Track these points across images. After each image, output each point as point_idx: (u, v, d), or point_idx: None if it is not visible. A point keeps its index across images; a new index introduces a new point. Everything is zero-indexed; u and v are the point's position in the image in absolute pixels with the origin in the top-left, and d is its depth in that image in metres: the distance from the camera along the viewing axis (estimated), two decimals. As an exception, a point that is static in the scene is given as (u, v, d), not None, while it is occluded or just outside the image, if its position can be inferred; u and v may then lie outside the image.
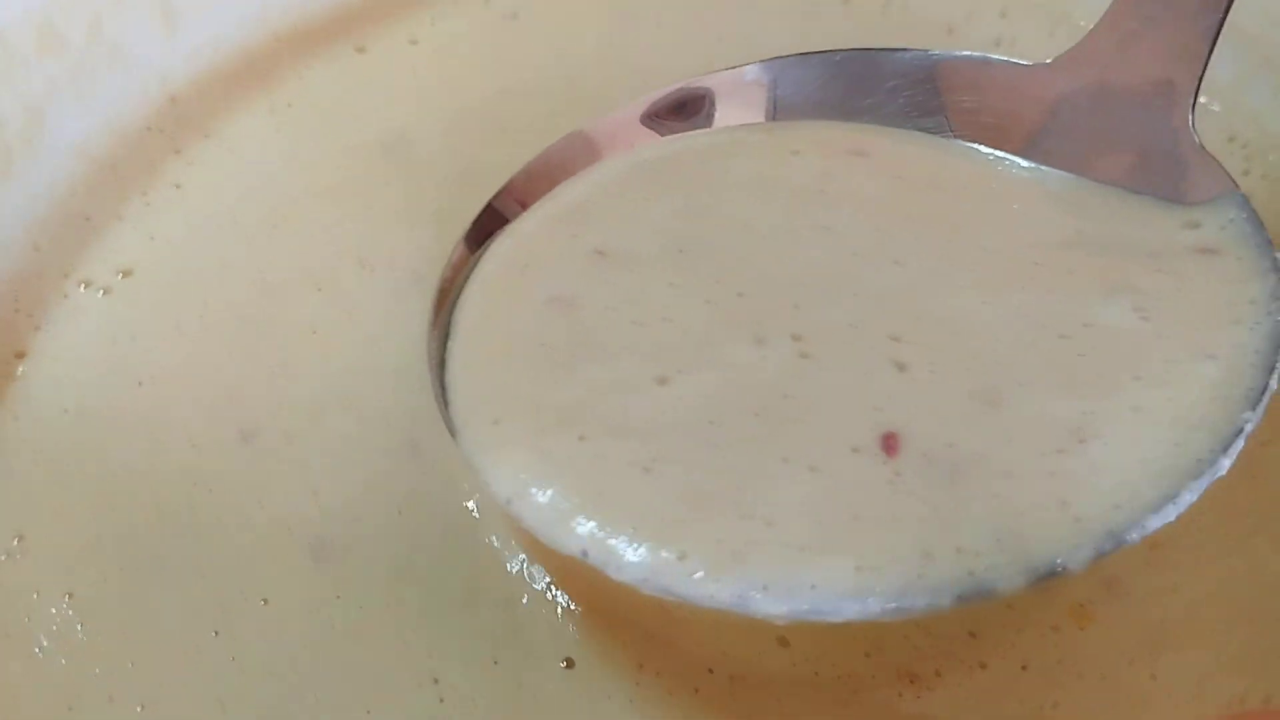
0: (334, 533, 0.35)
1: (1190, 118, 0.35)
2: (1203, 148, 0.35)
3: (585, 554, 0.29)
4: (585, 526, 0.29)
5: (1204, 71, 0.35)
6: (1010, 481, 0.29)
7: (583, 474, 0.30)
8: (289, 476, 0.36)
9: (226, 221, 0.42)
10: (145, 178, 0.43)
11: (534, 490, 0.30)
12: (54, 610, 0.34)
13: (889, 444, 0.30)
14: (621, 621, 0.33)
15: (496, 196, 0.37)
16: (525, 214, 0.37)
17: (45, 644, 0.33)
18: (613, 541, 0.29)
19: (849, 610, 0.28)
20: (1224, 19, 0.34)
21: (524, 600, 0.34)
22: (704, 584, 0.28)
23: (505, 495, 0.30)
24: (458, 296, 0.35)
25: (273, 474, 0.36)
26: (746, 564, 0.28)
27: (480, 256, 0.36)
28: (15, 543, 0.35)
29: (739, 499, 0.29)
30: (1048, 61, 0.37)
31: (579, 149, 0.38)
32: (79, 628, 0.34)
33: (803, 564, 0.28)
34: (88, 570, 0.34)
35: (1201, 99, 0.43)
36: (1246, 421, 0.30)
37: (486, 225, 0.37)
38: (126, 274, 0.41)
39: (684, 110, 0.39)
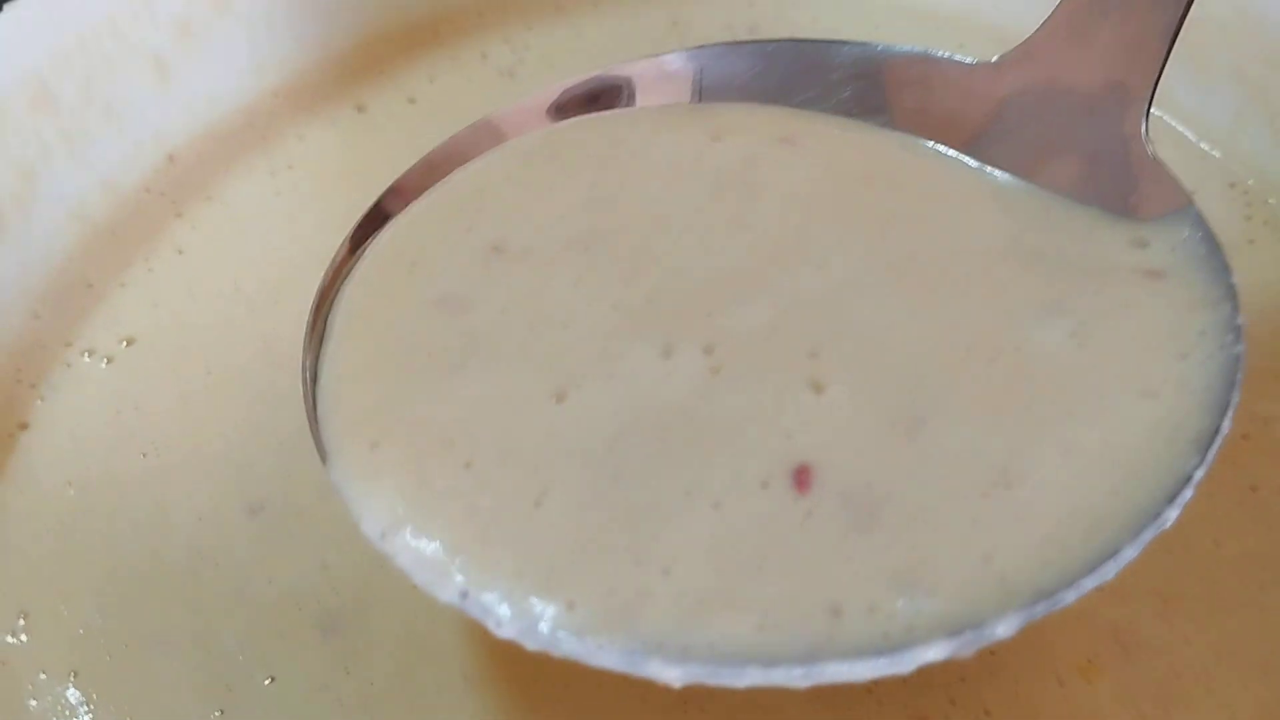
0: (344, 607, 0.34)
1: (1144, 125, 0.32)
2: (1156, 158, 0.32)
3: (464, 600, 0.27)
4: (464, 571, 0.27)
5: (1160, 74, 0.32)
6: (930, 530, 0.27)
7: (466, 509, 0.27)
8: (297, 550, 0.35)
9: (229, 288, 0.42)
10: (147, 243, 0.43)
11: (409, 527, 0.27)
12: (59, 689, 0.34)
13: (801, 479, 0.28)
14: (648, 688, 0.32)
15: (390, 192, 0.34)
16: (415, 202, 0.34)
17: (52, 726, 0.33)
18: (494, 591, 0.26)
19: (751, 676, 0.25)
20: (1184, 15, 0.31)
21: (545, 670, 0.32)
22: (592, 642, 0.26)
23: (377, 531, 0.28)
24: (335, 298, 0.32)
25: (281, 547, 0.36)
26: (639, 619, 0.26)
27: (364, 252, 0.33)
28: (20, 621, 0.35)
29: (635, 540, 0.27)
30: (994, 60, 0.34)
31: (484, 139, 0.35)
32: (85, 708, 0.33)
33: (700, 620, 0.26)
34: (92, 648, 0.34)
35: (1202, 145, 0.44)
36: (1195, 469, 0.27)
37: (377, 221, 0.34)
38: (130, 342, 0.41)
39: (601, 100, 0.36)
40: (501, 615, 0.26)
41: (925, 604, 0.26)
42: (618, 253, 0.32)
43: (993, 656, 0.33)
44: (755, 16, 0.50)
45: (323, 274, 0.33)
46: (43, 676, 0.34)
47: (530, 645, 0.26)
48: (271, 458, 0.38)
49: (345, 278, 0.33)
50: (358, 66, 0.48)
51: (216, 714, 0.33)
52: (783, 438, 0.28)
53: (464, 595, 0.27)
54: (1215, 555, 0.35)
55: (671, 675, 0.26)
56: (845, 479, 0.28)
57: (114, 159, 0.43)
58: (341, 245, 0.33)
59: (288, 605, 0.35)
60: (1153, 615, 0.34)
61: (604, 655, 0.26)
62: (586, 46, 0.49)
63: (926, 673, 0.32)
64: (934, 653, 0.25)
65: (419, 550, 0.27)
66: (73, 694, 0.33)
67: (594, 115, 0.36)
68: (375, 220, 0.34)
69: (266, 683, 0.33)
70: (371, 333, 0.31)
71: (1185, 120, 0.44)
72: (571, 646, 0.26)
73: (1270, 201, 0.42)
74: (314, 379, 0.31)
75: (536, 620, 0.26)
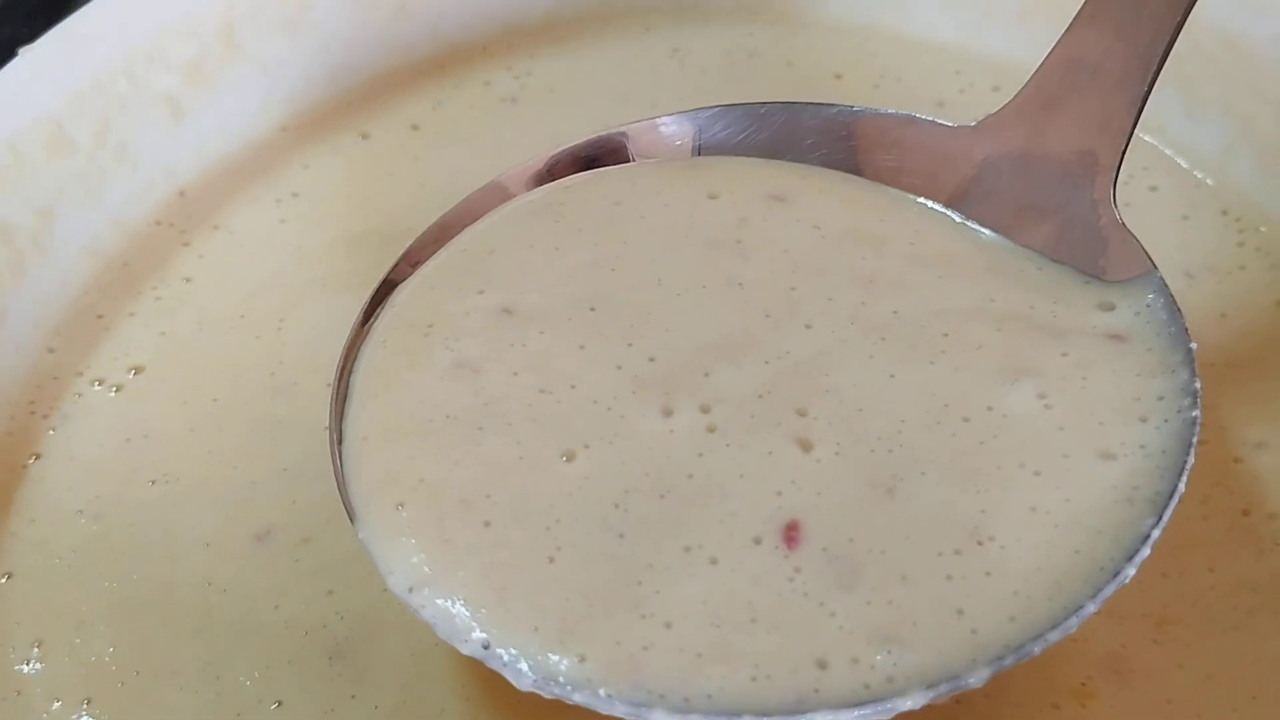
0: (350, 632, 0.35)
1: (1112, 192, 0.34)
2: (1123, 224, 0.34)
3: (486, 652, 0.29)
4: (486, 627, 0.29)
5: (1127, 145, 0.34)
6: (907, 585, 0.29)
7: (485, 566, 0.29)
8: (304, 577, 0.36)
9: (235, 316, 0.43)
10: (156, 273, 0.44)
11: (434, 584, 0.29)
12: (73, 717, 0.34)
13: (790, 536, 0.30)
14: None
15: (407, 253, 0.36)
16: (429, 261, 0.36)
17: (66, 753, 0.34)
18: (513, 646, 0.28)
19: None
20: (1149, 91, 0.33)
21: (547, 702, 0.33)
22: (602, 693, 0.28)
23: (404, 586, 0.29)
24: (357, 358, 0.34)
25: (287, 575, 0.36)
26: (644, 671, 0.28)
27: (382, 311, 0.35)
28: (35, 649, 0.35)
29: (639, 595, 0.29)
30: (973, 124, 0.36)
31: (494, 201, 0.37)
32: (98, 734, 0.34)
33: (699, 672, 0.28)
34: (105, 676, 0.35)
35: (1196, 173, 0.44)
36: (1152, 528, 0.29)
37: (394, 283, 0.35)
38: (138, 371, 0.42)
39: (601, 160, 0.38)
40: (521, 669, 0.28)
41: (903, 657, 0.28)
42: (620, 314, 0.34)
43: (990, 680, 0.33)
44: (754, 44, 0.50)
45: (345, 325, 0.34)
46: (57, 704, 0.34)
47: (546, 695, 0.28)
48: (277, 484, 0.38)
49: (366, 337, 0.34)
50: (363, 97, 0.49)
51: (226, 741, 0.33)
52: (773, 495, 0.30)
53: (486, 647, 0.29)
54: (1208, 580, 0.35)
55: None
56: (830, 536, 0.30)
57: (126, 196, 0.44)
58: (362, 306, 0.35)
59: (295, 631, 0.35)
60: (1146, 640, 0.34)
61: (613, 705, 0.28)
62: (588, 73, 0.50)
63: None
64: (911, 702, 0.27)
65: (443, 606, 0.29)
66: (86, 722, 0.34)
67: (596, 172, 0.38)
68: (393, 284, 0.35)
69: (274, 708, 0.34)
70: (392, 395, 0.33)
71: (1178, 149, 0.45)
72: (583, 697, 0.28)
73: (1261, 229, 0.43)
74: (339, 439, 0.32)
75: (553, 673, 0.28)
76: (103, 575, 0.37)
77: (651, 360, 0.33)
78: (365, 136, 0.48)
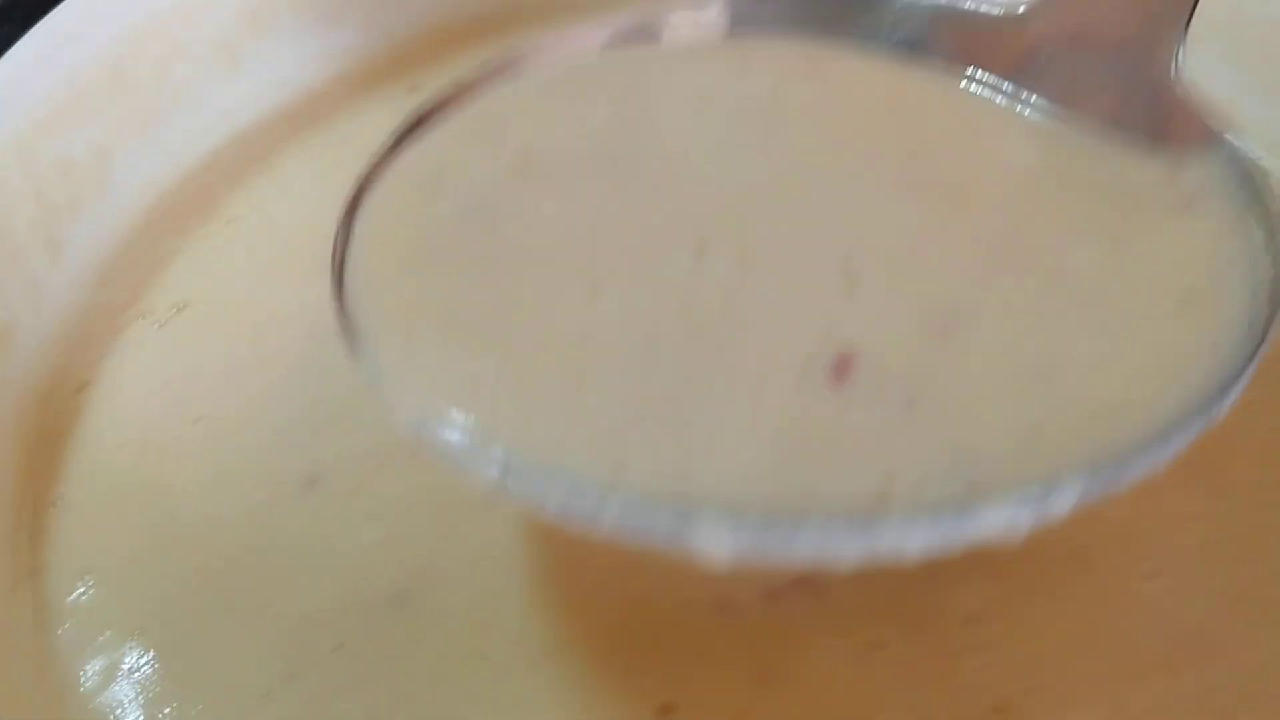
0: (410, 582, 0.34)
1: (1174, 63, 0.32)
2: (1188, 94, 0.32)
3: (506, 477, 0.26)
4: (506, 441, 0.26)
5: (1192, 11, 0.32)
6: (976, 408, 0.27)
7: (508, 388, 0.27)
8: (358, 524, 0.35)
9: (280, 257, 0.42)
10: (205, 212, 0.43)
11: (449, 410, 0.27)
12: (123, 648, 0.33)
13: (841, 368, 0.28)
14: (721, 662, 0.32)
15: (417, 110, 0.34)
16: (444, 114, 0.33)
17: (117, 684, 0.33)
18: (537, 464, 0.26)
19: (807, 539, 0.25)
20: None
21: (621, 646, 0.33)
22: (641, 504, 0.25)
23: (413, 417, 0.27)
24: (366, 198, 0.32)
25: (341, 521, 0.35)
26: (690, 482, 0.25)
27: (398, 153, 0.33)
28: (85, 578, 0.35)
29: (678, 424, 0.26)
30: (1020, 10, 0.34)
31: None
32: (149, 668, 0.33)
33: (752, 484, 0.25)
34: (156, 609, 0.34)
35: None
36: (1250, 360, 0.27)
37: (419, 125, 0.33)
38: (182, 308, 0.41)
39: (636, 36, 0.35)
40: (545, 489, 0.26)
41: (978, 469, 0.26)
42: (646, 168, 0.32)
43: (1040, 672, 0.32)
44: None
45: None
46: (108, 634, 0.34)
47: (577, 516, 0.25)
48: (326, 432, 0.37)
49: (377, 180, 0.32)
50: (416, 52, 0.49)
51: (288, 677, 0.33)
52: (819, 330, 0.28)
53: (506, 470, 0.26)
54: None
55: (723, 542, 0.25)
56: (884, 371, 0.27)
57: (181, 136, 0.44)
58: (387, 140, 0.33)
59: (351, 577, 0.34)
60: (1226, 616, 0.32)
61: (651, 525, 0.25)
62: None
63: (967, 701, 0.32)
64: (993, 518, 0.25)
65: (460, 427, 0.27)
66: (137, 653, 0.33)
67: (620, 50, 0.35)
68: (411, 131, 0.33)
69: (332, 650, 0.33)
70: (403, 233, 0.31)
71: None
72: (618, 511, 0.25)
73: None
74: (341, 265, 0.30)
75: (582, 486, 0.25)
76: (150, 507, 0.36)
77: (680, 207, 0.30)
78: (414, 89, 0.48)
